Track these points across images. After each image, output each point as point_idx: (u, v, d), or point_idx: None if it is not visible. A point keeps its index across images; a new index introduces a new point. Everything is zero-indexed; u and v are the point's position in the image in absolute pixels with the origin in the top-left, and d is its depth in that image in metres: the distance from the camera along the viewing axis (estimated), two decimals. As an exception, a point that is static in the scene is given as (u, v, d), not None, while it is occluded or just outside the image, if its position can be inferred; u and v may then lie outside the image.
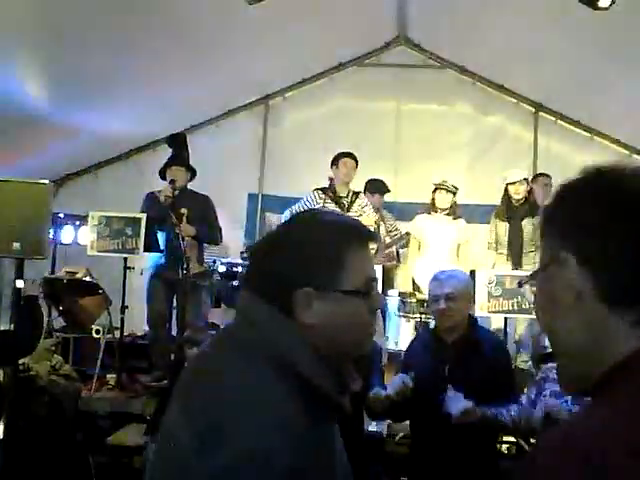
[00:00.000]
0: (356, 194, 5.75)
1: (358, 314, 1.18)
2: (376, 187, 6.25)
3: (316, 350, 1.13)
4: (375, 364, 3.32)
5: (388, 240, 6.07)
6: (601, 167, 0.88)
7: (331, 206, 5.62)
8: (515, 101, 7.24)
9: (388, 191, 6.45)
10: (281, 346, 1.11)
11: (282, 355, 1.09)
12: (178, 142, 5.37)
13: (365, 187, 6.13)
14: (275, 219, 7.33)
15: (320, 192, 5.63)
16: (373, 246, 1.11)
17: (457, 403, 2.76)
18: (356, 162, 5.69)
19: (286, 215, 5.85)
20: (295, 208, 5.75)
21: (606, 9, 4.47)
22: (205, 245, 5.54)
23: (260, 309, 1.15)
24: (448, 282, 3.09)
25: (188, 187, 5.38)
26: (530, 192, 5.59)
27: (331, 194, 5.66)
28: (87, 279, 5.28)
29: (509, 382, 3.16)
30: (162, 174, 5.34)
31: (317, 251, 1.16)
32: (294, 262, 1.15)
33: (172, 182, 5.12)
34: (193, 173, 5.40)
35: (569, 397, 2.49)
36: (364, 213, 5.59)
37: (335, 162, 5.68)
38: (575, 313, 0.83)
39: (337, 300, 1.15)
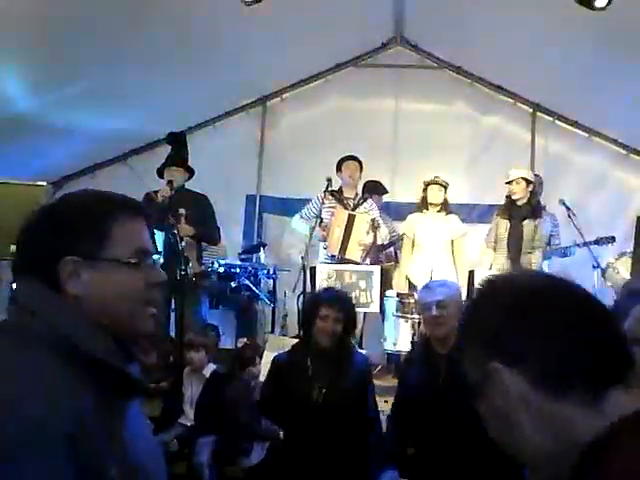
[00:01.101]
0: (364, 198, 5.79)
1: (129, 285, 1.13)
2: (374, 188, 6.27)
3: (90, 322, 1.08)
4: (369, 385, 3.37)
5: (387, 240, 6.07)
6: (495, 280, 0.97)
7: (337, 206, 5.65)
8: (512, 101, 7.24)
9: (386, 192, 6.46)
10: (50, 321, 1.06)
11: (53, 332, 1.05)
12: (178, 141, 5.36)
13: (363, 188, 6.14)
14: (273, 220, 7.34)
15: (326, 193, 5.65)
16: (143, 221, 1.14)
17: None
18: (360, 164, 5.72)
19: (295, 219, 5.87)
20: (304, 211, 5.78)
21: (603, 9, 4.47)
22: (204, 245, 5.54)
23: (25, 286, 1.11)
24: (439, 290, 3.10)
25: (186, 186, 5.38)
26: (533, 192, 5.58)
27: (337, 195, 5.70)
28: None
29: None
30: (160, 174, 5.33)
31: (79, 218, 1.12)
32: (55, 231, 1.11)
33: (170, 183, 5.11)
34: (191, 173, 5.39)
35: None
36: (368, 214, 5.61)
37: (339, 166, 5.75)
38: (526, 417, 0.85)
39: (104, 270, 1.11)
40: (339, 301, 3.27)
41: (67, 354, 1.03)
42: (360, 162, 5.74)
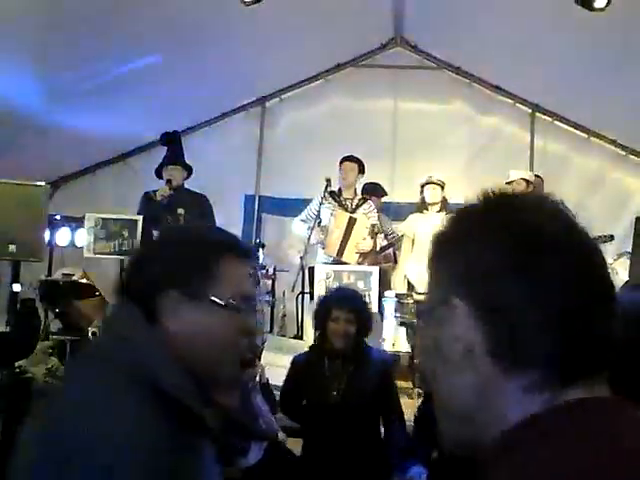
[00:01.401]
0: (364, 199, 5.79)
1: (225, 329, 1.11)
2: (373, 190, 6.27)
3: (178, 360, 1.06)
4: (390, 385, 3.39)
5: (385, 242, 6.08)
6: (499, 198, 0.76)
7: (336, 208, 5.65)
8: (511, 102, 7.24)
9: (385, 194, 6.46)
10: (136, 351, 1.04)
11: (137, 361, 1.03)
12: (172, 140, 5.36)
13: (362, 190, 6.14)
14: (272, 220, 7.34)
15: (325, 194, 5.66)
16: (252, 266, 1.13)
17: None
18: (358, 164, 5.72)
19: (296, 222, 5.88)
20: (305, 213, 5.78)
21: (602, 10, 4.48)
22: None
23: (122, 311, 1.11)
24: None
25: (185, 186, 5.38)
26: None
27: (336, 196, 5.71)
28: (83, 281, 5.26)
29: None
30: (158, 173, 5.33)
31: (187, 255, 1.11)
32: (162, 264, 1.11)
33: (169, 182, 5.12)
34: (189, 171, 5.39)
35: None
36: (367, 218, 5.62)
37: (339, 166, 5.76)
38: (463, 370, 0.70)
39: (205, 309, 1.09)
40: (349, 302, 3.25)
41: (147, 387, 1.02)
42: (359, 162, 5.74)
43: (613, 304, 0.70)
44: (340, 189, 5.80)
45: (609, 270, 0.72)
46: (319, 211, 5.63)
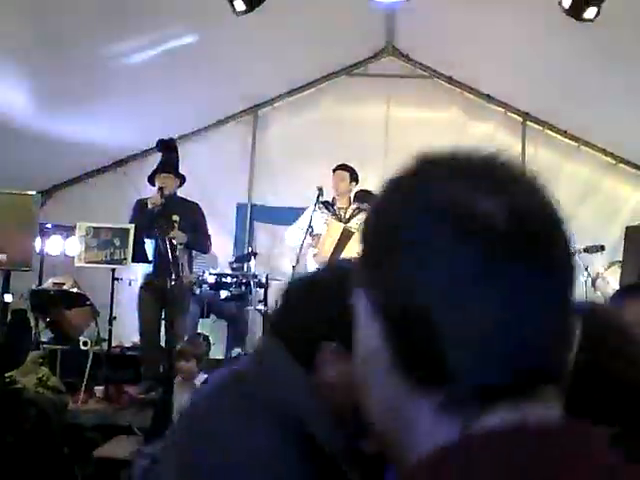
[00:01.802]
0: (359, 210, 5.79)
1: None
2: (364, 197, 6.27)
3: (330, 410, 1.03)
4: None
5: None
6: (433, 160, 0.60)
7: (329, 217, 5.65)
8: (503, 111, 7.29)
9: (377, 200, 6.47)
10: (290, 402, 1.02)
11: (290, 412, 1.01)
12: (168, 148, 5.35)
13: (354, 197, 6.15)
14: (265, 229, 7.33)
15: (319, 204, 5.66)
16: None
17: None
18: (350, 173, 5.72)
19: (289, 232, 5.87)
20: (299, 222, 5.76)
21: (591, 21, 4.50)
22: (194, 254, 5.52)
23: (278, 358, 1.08)
24: None
25: (177, 194, 5.36)
26: None
27: (329, 206, 5.71)
28: (74, 290, 5.24)
29: None
30: (151, 181, 5.32)
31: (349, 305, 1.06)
32: (325, 313, 1.05)
33: (161, 189, 5.10)
34: (182, 179, 5.38)
35: None
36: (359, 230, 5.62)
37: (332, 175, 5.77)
38: (374, 376, 0.56)
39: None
40: None
41: (292, 430, 1.00)
42: (350, 171, 5.74)
43: (559, 311, 0.53)
44: (334, 198, 5.81)
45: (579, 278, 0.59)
46: (312, 217, 5.63)
